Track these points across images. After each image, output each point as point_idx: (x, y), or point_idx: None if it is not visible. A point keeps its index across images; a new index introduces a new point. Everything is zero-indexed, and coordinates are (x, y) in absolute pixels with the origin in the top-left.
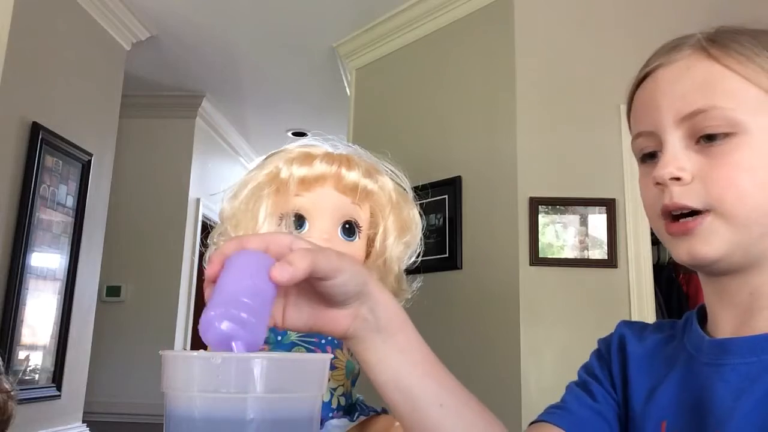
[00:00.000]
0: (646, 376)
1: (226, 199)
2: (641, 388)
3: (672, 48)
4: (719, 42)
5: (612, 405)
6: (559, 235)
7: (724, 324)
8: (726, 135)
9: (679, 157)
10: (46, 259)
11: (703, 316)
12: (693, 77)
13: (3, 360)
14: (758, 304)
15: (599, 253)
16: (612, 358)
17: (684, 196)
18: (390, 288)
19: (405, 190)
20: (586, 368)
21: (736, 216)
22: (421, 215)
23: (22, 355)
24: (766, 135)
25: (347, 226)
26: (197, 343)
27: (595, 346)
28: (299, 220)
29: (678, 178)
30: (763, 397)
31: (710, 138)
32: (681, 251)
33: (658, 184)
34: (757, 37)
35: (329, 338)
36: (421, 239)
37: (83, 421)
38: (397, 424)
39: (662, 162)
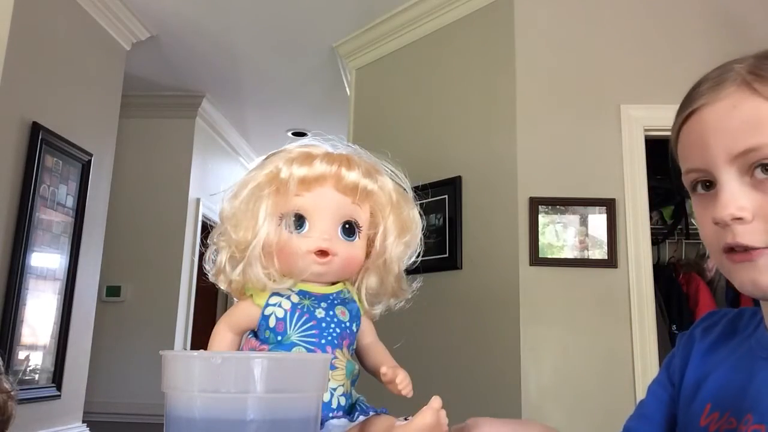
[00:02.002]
0: (701, 364)
1: (226, 199)
2: (694, 375)
3: (715, 85)
4: (762, 75)
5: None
6: (559, 235)
7: None
8: None
9: (737, 196)
10: (46, 259)
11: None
12: (741, 116)
13: (3, 360)
14: None
15: (599, 253)
16: (679, 350)
17: (747, 236)
18: (390, 288)
19: (405, 190)
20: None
21: None
22: (421, 215)
23: (22, 355)
24: None
25: (347, 226)
26: (197, 343)
27: (595, 345)
28: (299, 220)
29: (740, 218)
30: None
31: (766, 169)
32: (745, 280)
33: (717, 223)
34: None
35: (329, 338)
36: (421, 239)
37: (83, 421)
38: (398, 423)
39: (721, 203)
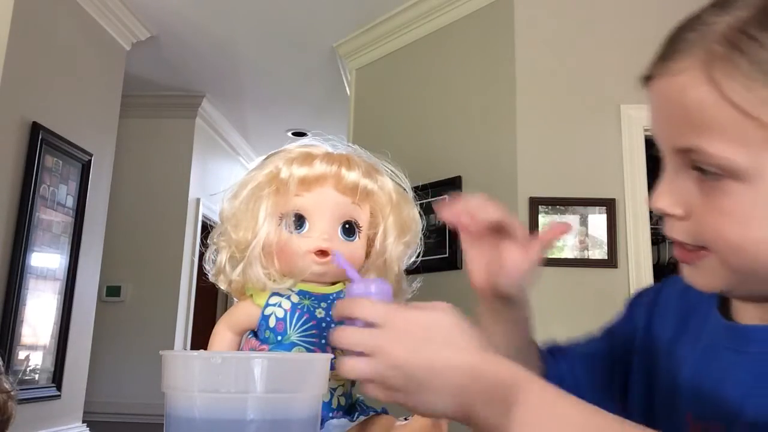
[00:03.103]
0: (670, 361)
1: (226, 199)
2: (667, 376)
3: (670, 53)
4: (731, 56)
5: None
6: None
7: (746, 311)
8: (720, 175)
9: (674, 189)
10: (46, 259)
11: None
12: (686, 104)
13: (3, 360)
14: None
15: (599, 253)
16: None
17: (678, 233)
18: None
19: (405, 190)
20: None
21: (733, 265)
22: (421, 215)
23: (22, 355)
24: (766, 181)
25: (347, 226)
26: (197, 343)
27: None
28: (299, 220)
29: (669, 214)
30: None
31: (706, 172)
32: (684, 276)
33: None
34: None
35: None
36: (421, 239)
37: (83, 421)
38: (398, 423)
39: (657, 191)
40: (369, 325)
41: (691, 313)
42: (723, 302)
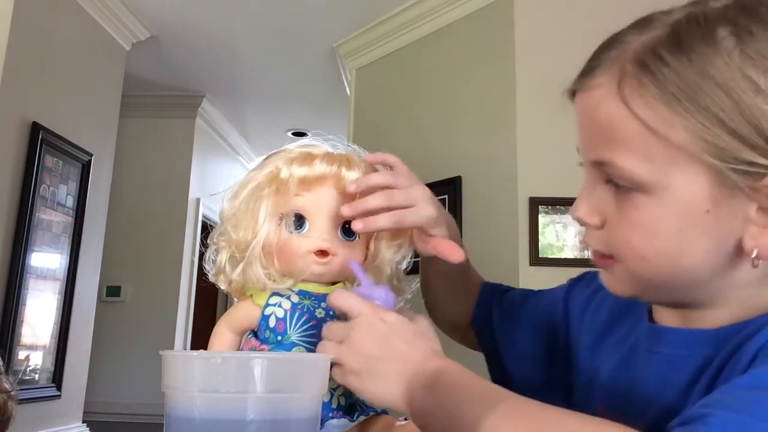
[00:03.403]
0: (591, 359)
1: (226, 199)
2: (586, 371)
3: (592, 66)
4: (640, 75)
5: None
6: (559, 235)
7: (665, 313)
8: (630, 188)
9: (591, 199)
10: (46, 259)
11: None
12: (599, 118)
13: (3, 360)
14: (702, 321)
15: None
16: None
17: (595, 242)
18: None
19: None
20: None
21: (638, 274)
22: None
23: (22, 355)
24: (673, 198)
25: (347, 226)
26: (197, 343)
27: None
28: (299, 220)
29: (586, 223)
30: (683, 387)
31: (617, 185)
32: (602, 279)
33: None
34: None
35: None
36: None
37: (83, 421)
38: (398, 423)
39: (577, 201)
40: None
41: (625, 312)
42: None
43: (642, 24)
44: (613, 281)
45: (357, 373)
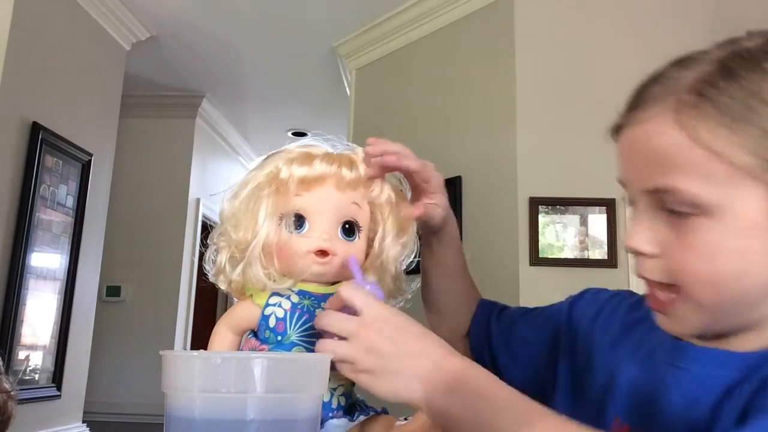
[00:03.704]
0: (607, 362)
1: (226, 199)
2: (602, 375)
3: (637, 104)
4: (698, 103)
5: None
6: (559, 235)
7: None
8: (688, 214)
9: (645, 229)
10: (46, 259)
11: None
12: (656, 148)
13: (3, 360)
14: (736, 344)
15: (599, 253)
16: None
17: (650, 271)
18: (387, 288)
19: (402, 191)
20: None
21: (703, 301)
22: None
23: (22, 355)
24: (734, 218)
25: (347, 226)
26: (197, 343)
27: None
28: (299, 220)
29: (642, 253)
30: (712, 407)
31: (674, 212)
32: (658, 322)
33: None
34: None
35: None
36: (417, 239)
37: (83, 421)
38: (397, 423)
39: (630, 231)
40: (353, 314)
41: (637, 324)
42: None
43: (686, 62)
44: (674, 323)
45: (370, 371)
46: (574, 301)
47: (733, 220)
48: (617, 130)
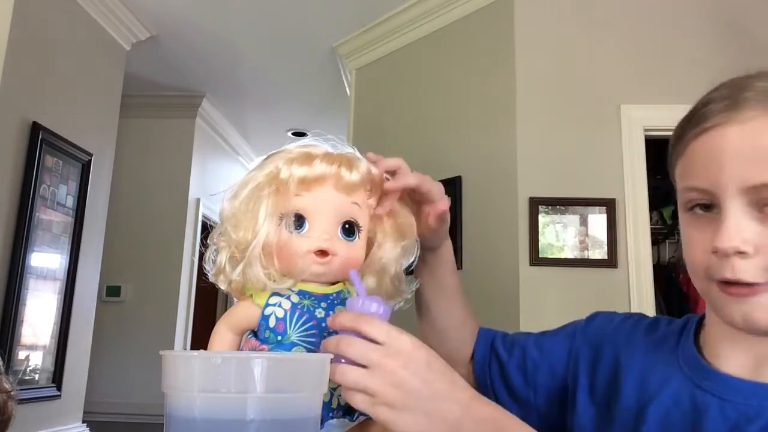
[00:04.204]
0: (643, 382)
1: (226, 199)
2: (635, 395)
3: (735, 104)
4: None
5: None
6: (559, 235)
7: (733, 361)
8: None
9: (743, 227)
10: (46, 259)
11: (699, 327)
12: (763, 145)
13: (3, 360)
14: None
15: (599, 253)
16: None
17: (746, 272)
18: (386, 289)
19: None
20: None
21: None
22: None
23: (22, 355)
24: None
25: (347, 226)
26: (197, 343)
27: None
28: (299, 220)
29: (743, 252)
30: None
31: None
32: (735, 314)
33: (716, 252)
34: None
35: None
36: (417, 241)
37: (83, 421)
38: None
39: (727, 233)
40: (370, 341)
41: (659, 344)
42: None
43: (749, 77)
44: (756, 309)
45: (392, 406)
46: (587, 322)
47: None
48: (700, 134)
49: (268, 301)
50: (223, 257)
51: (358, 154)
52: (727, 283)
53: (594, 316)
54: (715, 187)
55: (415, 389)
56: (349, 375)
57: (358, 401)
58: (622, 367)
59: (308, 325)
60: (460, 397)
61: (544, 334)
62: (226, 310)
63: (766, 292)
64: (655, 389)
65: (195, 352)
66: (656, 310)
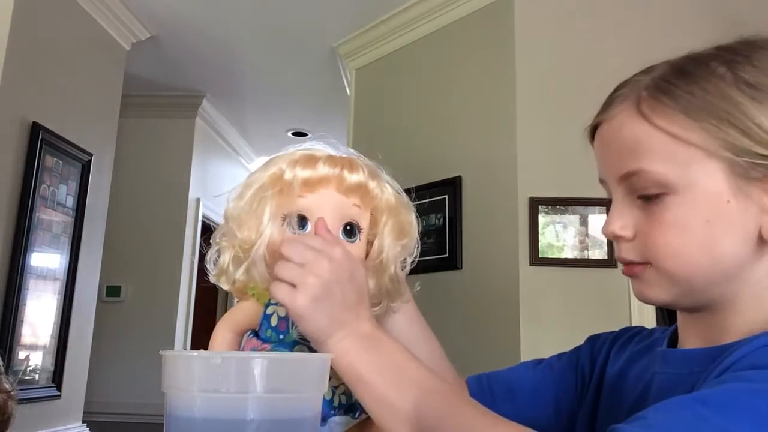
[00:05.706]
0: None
1: (231, 199)
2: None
3: (609, 102)
4: (656, 96)
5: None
6: (559, 235)
7: (693, 338)
8: (658, 195)
9: (623, 214)
10: (46, 259)
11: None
12: (624, 138)
13: (3, 360)
14: (720, 335)
15: (599, 253)
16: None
17: (627, 252)
18: (384, 288)
19: (400, 194)
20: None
21: (673, 274)
22: (418, 217)
23: (22, 355)
24: (698, 192)
25: (348, 227)
26: (197, 343)
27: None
28: (302, 221)
29: (620, 236)
30: None
31: (646, 197)
32: (635, 291)
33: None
34: (726, 72)
35: None
36: (417, 242)
37: (83, 421)
38: None
39: (608, 218)
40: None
41: (646, 350)
42: (672, 338)
43: (646, 70)
44: (647, 287)
45: (308, 300)
46: (584, 345)
47: (697, 194)
48: (593, 129)
49: (269, 300)
50: (226, 257)
51: (360, 156)
52: (625, 265)
53: (588, 339)
54: (605, 178)
55: (332, 293)
56: (286, 269)
57: (280, 291)
58: (606, 373)
59: None
60: (361, 313)
61: (540, 362)
62: (226, 310)
63: (647, 269)
64: (629, 388)
65: (195, 352)
66: (656, 310)
